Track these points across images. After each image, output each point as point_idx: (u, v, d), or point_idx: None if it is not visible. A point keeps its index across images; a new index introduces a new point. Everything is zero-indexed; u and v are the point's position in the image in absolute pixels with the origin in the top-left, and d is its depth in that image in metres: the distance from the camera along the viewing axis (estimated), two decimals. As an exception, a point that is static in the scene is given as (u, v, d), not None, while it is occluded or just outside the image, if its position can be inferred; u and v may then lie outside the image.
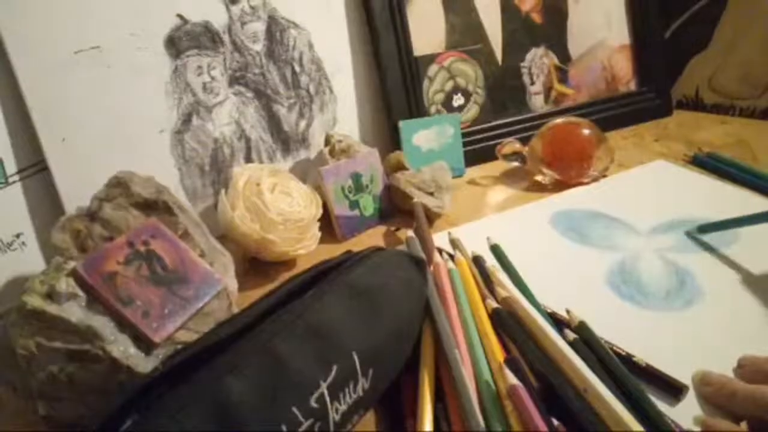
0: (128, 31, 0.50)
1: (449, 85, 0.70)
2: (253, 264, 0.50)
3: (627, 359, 0.33)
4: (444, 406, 0.30)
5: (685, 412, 0.30)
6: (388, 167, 0.60)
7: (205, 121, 0.55)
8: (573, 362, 0.30)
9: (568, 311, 0.37)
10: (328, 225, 0.53)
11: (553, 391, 0.29)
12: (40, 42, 0.46)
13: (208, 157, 0.56)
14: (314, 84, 0.62)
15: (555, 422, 0.27)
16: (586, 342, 0.34)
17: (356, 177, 0.56)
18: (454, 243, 0.46)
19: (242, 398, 0.23)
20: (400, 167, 0.59)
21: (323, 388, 0.26)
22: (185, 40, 0.53)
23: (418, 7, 0.67)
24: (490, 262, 0.42)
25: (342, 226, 0.55)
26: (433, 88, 0.69)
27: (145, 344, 0.33)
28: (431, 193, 0.57)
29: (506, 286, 0.38)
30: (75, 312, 0.31)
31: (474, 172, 0.68)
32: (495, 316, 0.35)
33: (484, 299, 0.37)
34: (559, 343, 0.31)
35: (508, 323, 0.34)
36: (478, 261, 0.42)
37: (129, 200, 0.38)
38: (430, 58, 0.68)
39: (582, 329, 0.35)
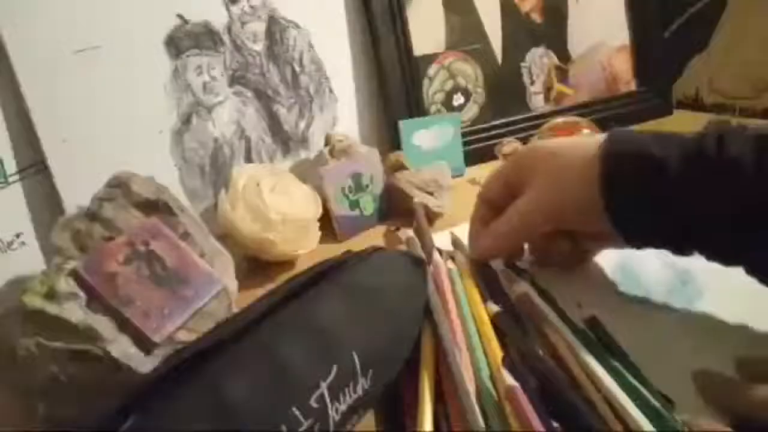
0: (128, 30, 0.50)
1: (449, 85, 0.70)
2: (253, 264, 0.50)
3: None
4: (444, 406, 0.30)
5: (685, 412, 0.30)
6: (388, 167, 0.60)
7: (205, 121, 0.55)
8: (582, 361, 0.30)
9: (579, 305, 0.37)
10: (328, 225, 0.53)
11: (553, 392, 0.29)
12: (40, 42, 0.46)
13: (208, 157, 0.56)
14: (314, 84, 0.62)
15: (554, 424, 0.27)
16: (598, 337, 0.34)
17: (356, 177, 0.56)
18: (454, 243, 0.46)
19: (242, 398, 0.23)
20: (400, 167, 0.59)
21: (323, 388, 0.25)
22: (185, 40, 0.54)
23: (418, 7, 0.67)
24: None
25: (342, 226, 0.54)
26: (433, 87, 0.69)
27: (145, 344, 0.33)
28: (431, 193, 0.56)
29: (520, 282, 0.38)
30: (75, 312, 0.31)
31: (474, 171, 0.68)
32: (495, 316, 0.35)
33: (484, 300, 0.37)
34: (569, 338, 0.32)
35: (508, 323, 0.34)
36: (478, 261, 0.42)
37: (129, 200, 0.38)
38: (430, 58, 0.68)
39: (593, 324, 0.35)
